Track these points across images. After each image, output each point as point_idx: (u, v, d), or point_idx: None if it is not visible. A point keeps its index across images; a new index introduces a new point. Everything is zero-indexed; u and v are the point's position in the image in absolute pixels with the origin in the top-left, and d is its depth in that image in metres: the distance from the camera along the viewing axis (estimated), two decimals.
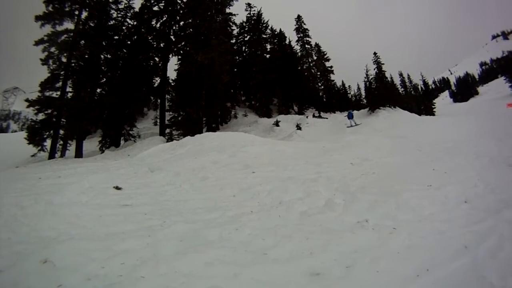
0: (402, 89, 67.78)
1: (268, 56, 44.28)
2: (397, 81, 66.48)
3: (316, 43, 48.95)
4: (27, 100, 24.32)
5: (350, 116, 30.00)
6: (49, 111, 24.94)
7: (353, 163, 9.94)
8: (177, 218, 5.70)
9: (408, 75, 76.75)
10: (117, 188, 7.99)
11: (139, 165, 11.79)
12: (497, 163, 8.75)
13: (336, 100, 45.70)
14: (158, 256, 4.03)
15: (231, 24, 40.91)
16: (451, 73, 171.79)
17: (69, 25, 27.00)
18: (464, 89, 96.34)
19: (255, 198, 6.85)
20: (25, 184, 9.20)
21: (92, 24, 27.73)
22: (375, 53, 41.87)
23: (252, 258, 3.97)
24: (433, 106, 49.86)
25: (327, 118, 34.19)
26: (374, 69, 40.68)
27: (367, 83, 37.87)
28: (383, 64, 41.02)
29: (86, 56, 26.69)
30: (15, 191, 8.07)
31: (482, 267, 3.48)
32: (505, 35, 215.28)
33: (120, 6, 30.29)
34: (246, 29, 45.93)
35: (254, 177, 8.71)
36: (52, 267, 3.75)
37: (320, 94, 46.33)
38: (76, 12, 26.84)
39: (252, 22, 45.94)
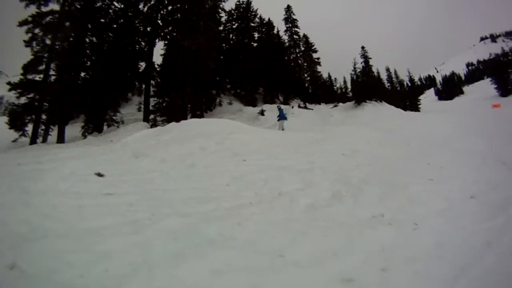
0: (389, 84, 68.16)
1: (255, 44, 44.05)
2: (383, 76, 66.72)
3: (304, 34, 49.10)
4: (9, 83, 24.13)
5: (283, 117, 23.09)
6: (32, 95, 24.65)
7: (344, 154, 9.84)
8: (167, 210, 5.13)
9: (395, 70, 77.27)
10: (99, 174, 7.53)
11: (123, 151, 11.32)
12: (490, 160, 8.75)
13: (322, 92, 45.62)
14: (151, 261, 3.36)
15: (220, 10, 40.45)
16: (437, 71, 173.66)
17: (54, 6, 26.41)
18: (450, 88, 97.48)
19: (250, 187, 6.43)
20: (2, 171, 8.85)
21: (78, 6, 27.22)
22: (363, 47, 42.02)
23: (267, 262, 3.41)
24: (419, 103, 50.15)
25: (312, 109, 34.11)
26: (361, 63, 40.85)
27: (354, 76, 37.90)
28: (370, 58, 41.21)
29: (71, 39, 26.24)
30: None
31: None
32: (493, 38, 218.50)
33: None
34: (235, 16, 45.44)
35: (246, 165, 8.37)
36: (20, 275, 3.09)
37: (306, 85, 46.31)
38: None
39: (241, 10, 45.46)
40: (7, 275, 3.07)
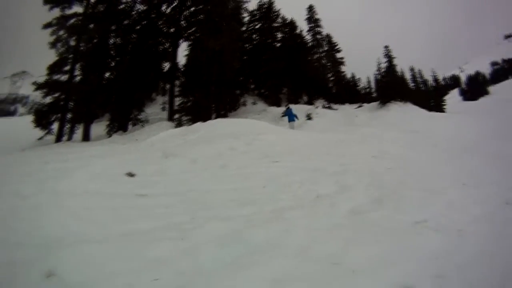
0: (413, 84, 66.83)
1: (278, 45, 43.80)
2: (407, 76, 65.52)
3: (327, 33, 48.76)
4: (34, 83, 24.51)
5: (291, 117, 23.27)
6: (57, 94, 25.04)
7: (374, 156, 9.56)
8: (207, 213, 4.92)
9: (420, 70, 75.71)
10: (130, 174, 7.36)
11: (150, 150, 11.24)
12: None
13: (346, 92, 45.07)
14: (202, 269, 3.19)
15: (242, 11, 40.37)
16: (461, 71, 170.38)
17: (78, 8, 26.85)
18: (474, 88, 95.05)
19: (287, 190, 6.21)
20: (30, 169, 8.74)
21: (101, 8, 27.53)
22: (386, 47, 41.15)
23: (324, 269, 3.27)
24: (443, 103, 49.21)
25: (337, 110, 33.67)
26: (385, 62, 40.06)
27: (379, 76, 37.37)
28: (394, 58, 40.35)
29: (95, 40, 26.61)
30: (18, 177, 7.39)
31: None
32: None
33: None
34: (257, 17, 45.22)
35: (278, 167, 8.15)
36: (59, 284, 2.91)
37: (330, 85, 46.01)
38: None
39: (264, 10, 45.19)
40: (43, 284, 2.88)
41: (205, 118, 21.88)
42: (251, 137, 11.82)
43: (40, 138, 24.78)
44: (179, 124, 25.18)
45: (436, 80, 73.61)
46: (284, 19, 46.07)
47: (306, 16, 48.61)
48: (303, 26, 48.95)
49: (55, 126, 25.29)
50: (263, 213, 4.91)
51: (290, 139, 12.62)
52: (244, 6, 39.38)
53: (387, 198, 5.54)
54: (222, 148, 10.40)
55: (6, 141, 28.34)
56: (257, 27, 45.01)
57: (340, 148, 11.05)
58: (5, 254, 3.46)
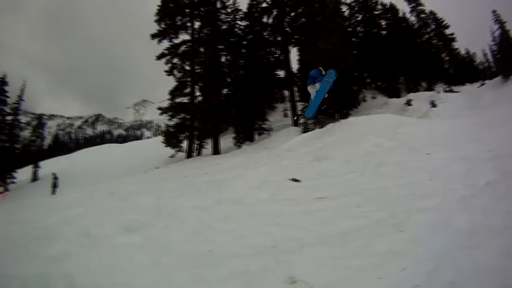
0: None
1: (384, 32, 42.66)
2: None
3: (430, 10, 45.84)
4: (159, 108, 27.23)
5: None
6: (182, 115, 27.41)
7: None
8: (399, 208, 4.87)
9: None
10: (295, 180, 7.69)
11: (295, 156, 11.53)
12: None
13: (463, 71, 42.04)
14: (437, 254, 3.26)
15: (341, 6, 39.64)
16: None
17: (184, 36, 29.18)
18: None
19: (455, 180, 5.96)
20: (175, 183, 9.24)
21: (206, 32, 29.42)
22: (494, 11, 37.45)
23: None
24: None
25: (459, 92, 31.56)
26: (497, 29, 36.54)
27: (494, 46, 34.13)
28: (505, 22, 36.46)
29: (207, 62, 28.23)
30: (170, 191, 7.98)
31: None
32: None
33: (228, 10, 31.39)
34: (356, 8, 44.18)
35: (433, 159, 7.87)
36: None
37: (446, 66, 43.17)
38: (189, 24, 29.06)
39: (360, 0, 44.31)
40: None
41: (330, 119, 21.84)
42: (391, 132, 11.70)
43: (172, 156, 27.30)
44: (305, 129, 25.63)
45: None
46: (383, 5, 44.66)
47: None
48: (404, 8, 46.49)
49: (184, 144, 27.62)
50: (450, 203, 4.83)
51: (428, 129, 12.22)
52: (343, 0, 38.84)
53: None
54: (367, 146, 10.42)
55: (141, 160, 31.19)
56: (359, 18, 44.12)
57: (481, 133, 10.45)
58: (223, 265, 3.63)
